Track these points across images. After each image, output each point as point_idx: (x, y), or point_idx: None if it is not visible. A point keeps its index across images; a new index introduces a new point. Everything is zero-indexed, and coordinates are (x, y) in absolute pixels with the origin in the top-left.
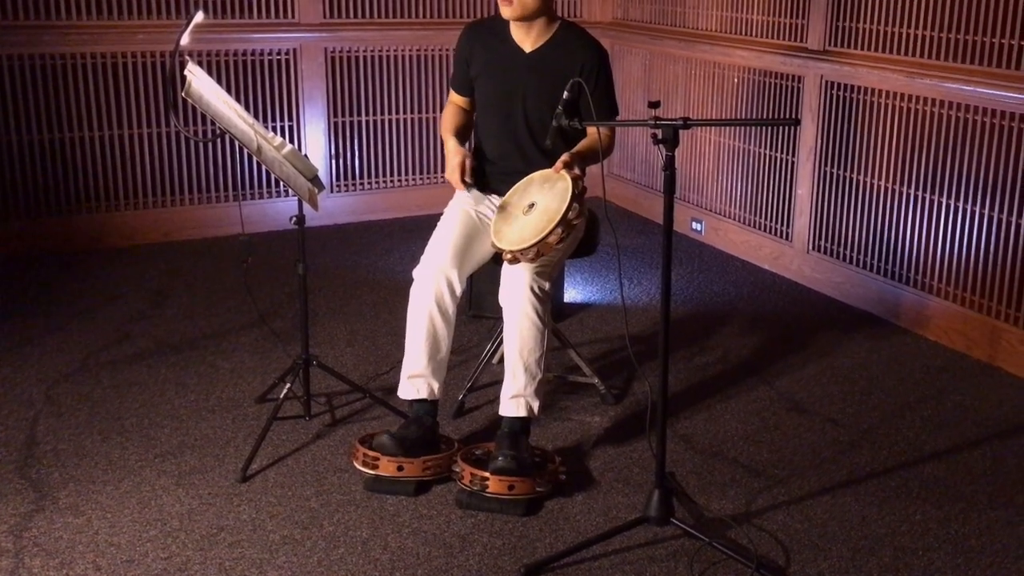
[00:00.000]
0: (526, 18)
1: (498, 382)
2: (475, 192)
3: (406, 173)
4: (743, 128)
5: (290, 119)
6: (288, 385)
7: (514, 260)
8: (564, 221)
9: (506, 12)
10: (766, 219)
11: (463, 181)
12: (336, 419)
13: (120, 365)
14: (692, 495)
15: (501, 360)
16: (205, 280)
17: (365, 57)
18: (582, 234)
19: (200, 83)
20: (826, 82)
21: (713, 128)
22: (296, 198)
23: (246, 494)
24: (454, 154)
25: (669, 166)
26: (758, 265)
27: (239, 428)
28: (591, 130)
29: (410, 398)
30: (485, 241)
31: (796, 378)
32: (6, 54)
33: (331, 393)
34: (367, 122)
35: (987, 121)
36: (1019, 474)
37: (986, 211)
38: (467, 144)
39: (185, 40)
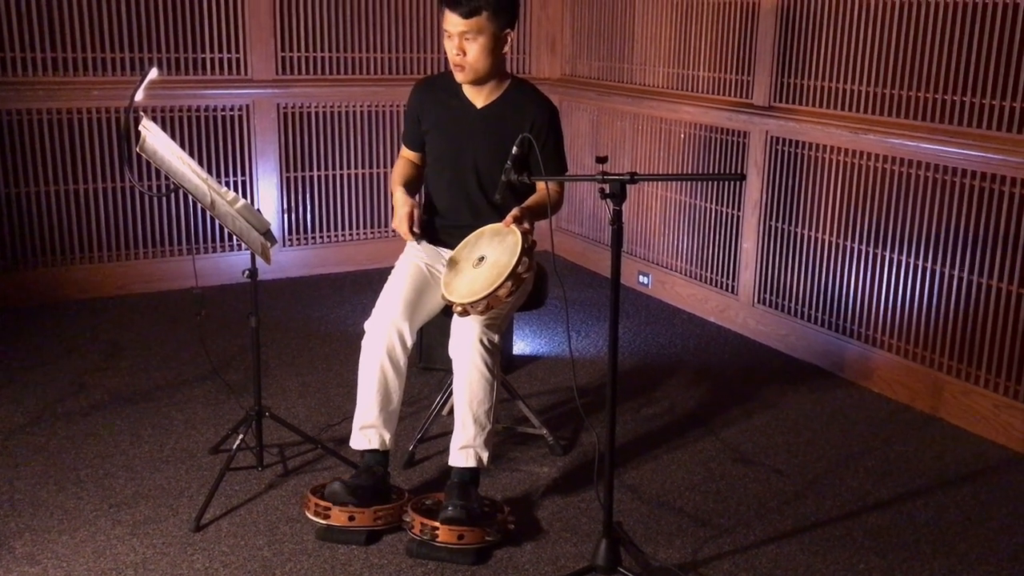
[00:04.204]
0: (478, 82)
1: (448, 433)
2: (425, 245)
3: (357, 227)
4: (690, 183)
5: (243, 174)
6: (241, 436)
7: (464, 313)
8: (514, 275)
9: (459, 77)
10: (712, 272)
11: (411, 232)
12: (288, 470)
13: (75, 416)
14: (639, 544)
15: (451, 411)
16: (159, 333)
17: (317, 113)
18: (531, 287)
19: (154, 138)
20: (771, 137)
21: (660, 183)
22: (249, 252)
23: (200, 543)
24: (402, 205)
25: (616, 220)
26: (704, 318)
27: (193, 478)
28: (540, 185)
29: (362, 448)
30: (435, 294)
31: (742, 429)
32: None
33: (283, 444)
34: (319, 177)
35: (930, 176)
36: (961, 523)
37: (928, 264)
38: (416, 196)
39: (140, 96)
